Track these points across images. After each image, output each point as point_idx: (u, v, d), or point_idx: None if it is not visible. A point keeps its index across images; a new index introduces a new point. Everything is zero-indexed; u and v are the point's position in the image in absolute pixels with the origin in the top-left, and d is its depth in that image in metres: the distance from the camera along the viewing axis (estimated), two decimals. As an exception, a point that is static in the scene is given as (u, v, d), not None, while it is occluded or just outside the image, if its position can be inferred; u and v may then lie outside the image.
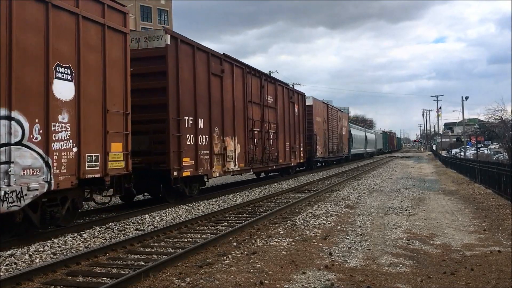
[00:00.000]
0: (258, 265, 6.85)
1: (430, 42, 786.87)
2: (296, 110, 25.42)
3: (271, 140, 20.82)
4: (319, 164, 35.04)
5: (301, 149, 26.27)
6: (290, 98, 24.15)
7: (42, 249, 8.01)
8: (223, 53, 16.42)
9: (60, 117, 8.80)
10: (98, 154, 9.78)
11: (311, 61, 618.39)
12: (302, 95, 27.54)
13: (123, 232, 9.64)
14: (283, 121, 22.92)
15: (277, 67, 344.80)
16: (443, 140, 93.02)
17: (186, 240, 8.91)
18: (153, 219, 11.19)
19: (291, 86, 31.28)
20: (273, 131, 21.25)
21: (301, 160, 26.37)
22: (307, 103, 28.91)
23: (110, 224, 10.47)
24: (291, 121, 24.36)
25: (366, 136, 60.33)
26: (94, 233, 9.48)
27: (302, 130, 26.76)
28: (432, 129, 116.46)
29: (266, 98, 20.52)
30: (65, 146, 8.89)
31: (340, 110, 43.64)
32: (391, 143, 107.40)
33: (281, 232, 9.40)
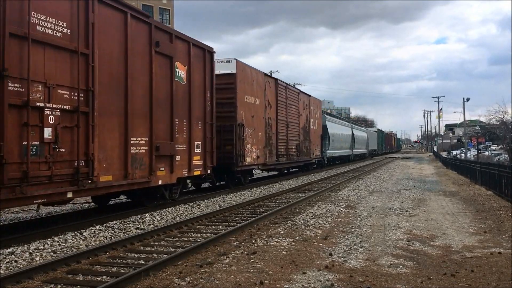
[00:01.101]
0: (258, 265, 6.85)
1: (431, 42, 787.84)
2: (180, 73, 12.98)
3: (51, 130, 8.58)
4: (259, 173, 24.78)
5: (196, 151, 13.88)
6: (155, 45, 11.75)
7: (42, 247, 8.02)
8: None
9: None
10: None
11: (312, 61, 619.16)
12: (202, 49, 14.48)
13: (123, 231, 9.64)
14: (122, 88, 10.70)
15: (278, 67, 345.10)
16: (444, 141, 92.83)
17: (186, 239, 8.91)
18: (154, 218, 11.19)
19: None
20: (67, 107, 9.01)
21: (194, 173, 13.81)
22: (224, 71, 17.15)
23: (111, 222, 10.47)
24: (162, 94, 12.12)
25: (353, 134, 48.35)
26: (94, 231, 9.48)
27: (203, 115, 14.35)
28: (433, 130, 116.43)
29: (31, 20, 8.16)
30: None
31: (307, 93, 29.44)
32: (389, 144, 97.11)
33: (282, 232, 9.40)
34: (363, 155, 57.36)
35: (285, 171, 27.53)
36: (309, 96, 29.88)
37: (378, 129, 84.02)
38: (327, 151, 34.92)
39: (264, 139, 20.48)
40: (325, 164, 35.07)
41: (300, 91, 27.60)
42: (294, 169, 29.34)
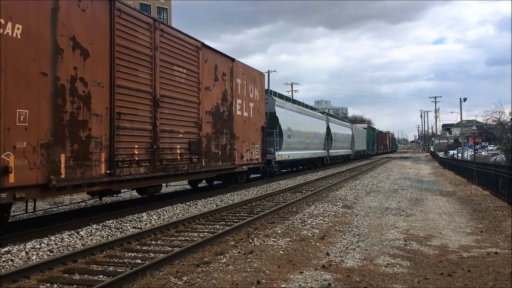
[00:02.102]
0: (255, 265, 6.84)
1: (430, 43, 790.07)
2: None
3: None
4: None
5: None
6: None
7: (38, 246, 8.00)
8: None
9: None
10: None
11: (311, 61, 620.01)
12: None
13: (120, 230, 9.63)
14: None
15: (276, 67, 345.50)
16: (441, 141, 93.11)
17: (183, 238, 8.90)
18: (151, 217, 11.17)
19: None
20: None
21: None
22: None
23: (107, 221, 10.45)
24: None
25: (329, 130, 37.14)
26: (91, 230, 9.46)
27: None
28: (430, 130, 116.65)
29: None
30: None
31: (227, 55, 16.89)
32: (383, 143, 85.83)
33: (279, 231, 9.40)
34: (346, 156, 46.71)
35: (156, 193, 13.68)
36: (233, 60, 17.23)
37: (368, 126, 70.89)
38: (278, 153, 23.40)
39: (49, 127, 8.77)
40: (275, 173, 23.41)
41: (204, 44, 14.84)
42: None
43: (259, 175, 22.72)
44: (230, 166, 16.83)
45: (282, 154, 24.23)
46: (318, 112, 38.86)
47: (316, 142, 32.63)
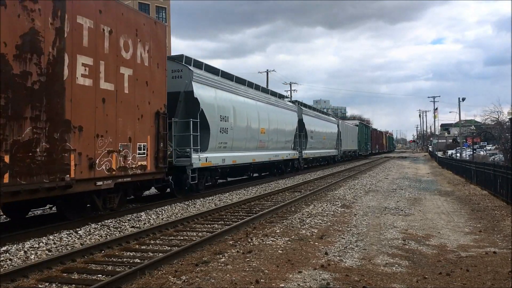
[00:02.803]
0: (254, 264, 6.84)
1: (428, 43, 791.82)
2: None
3: None
4: None
5: None
6: None
7: (37, 246, 7.99)
8: None
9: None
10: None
11: (310, 61, 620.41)
12: None
13: (118, 230, 9.62)
14: None
15: (275, 66, 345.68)
16: (439, 141, 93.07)
17: (182, 238, 8.90)
18: (149, 217, 11.17)
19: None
20: None
21: None
22: None
23: (106, 221, 10.45)
24: None
25: (302, 125, 28.97)
26: (89, 230, 9.46)
27: None
28: (428, 130, 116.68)
29: None
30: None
31: None
32: (378, 142, 77.80)
33: (277, 231, 9.40)
34: (331, 158, 39.58)
35: None
36: None
37: (360, 123, 60.74)
38: (200, 155, 15.01)
39: None
40: (196, 186, 15.29)
41: None
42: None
43: (168, 190, 15.13)
44: (50, 185, 8.62)
45: (209, 157, 15.76)
46: (288, 101, 29.34)
47: (282, 140, 24.35)
